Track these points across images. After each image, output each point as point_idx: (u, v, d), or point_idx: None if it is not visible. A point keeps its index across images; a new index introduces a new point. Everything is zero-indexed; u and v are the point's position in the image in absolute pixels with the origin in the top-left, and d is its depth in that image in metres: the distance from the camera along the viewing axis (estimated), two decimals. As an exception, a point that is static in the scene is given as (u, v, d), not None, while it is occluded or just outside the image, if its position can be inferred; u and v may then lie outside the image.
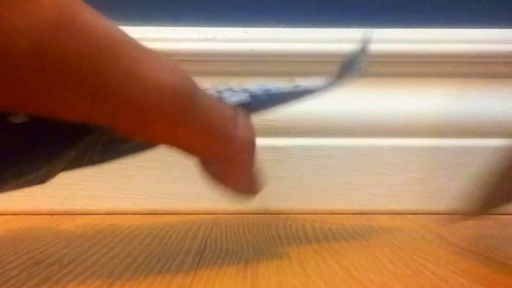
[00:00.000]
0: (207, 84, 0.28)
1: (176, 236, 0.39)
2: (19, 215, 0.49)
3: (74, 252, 0.33)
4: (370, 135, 0.52)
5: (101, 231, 0.41)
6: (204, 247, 0.35)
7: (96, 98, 0.21)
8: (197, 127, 0.25)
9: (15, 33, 0.18)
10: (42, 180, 0.27)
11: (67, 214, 0.49)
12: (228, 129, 0.27)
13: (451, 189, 0.51)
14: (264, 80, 0.33)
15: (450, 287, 0.26)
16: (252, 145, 0.29)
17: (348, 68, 0.34)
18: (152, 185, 0.50)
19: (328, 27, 0.53)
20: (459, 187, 0.51)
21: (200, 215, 0.49)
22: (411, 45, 0.52)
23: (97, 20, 0.20)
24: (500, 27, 0.54)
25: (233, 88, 0.30)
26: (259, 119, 0.51)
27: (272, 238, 0.38)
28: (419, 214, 0.50)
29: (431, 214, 0.50)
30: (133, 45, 0.22)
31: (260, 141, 0.50)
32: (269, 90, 0.31)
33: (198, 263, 0.30)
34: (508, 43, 0.52)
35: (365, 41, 0.34)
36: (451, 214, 0.50)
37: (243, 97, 0.30)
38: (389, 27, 0.53)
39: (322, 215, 0.50)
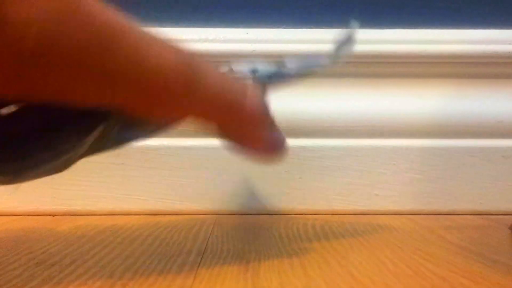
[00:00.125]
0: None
1: (177, 236, 0.39)
2: (20, 216, 0.49)
3: (76, 253, 0.33)
4: (371, 136, 0.52)
5: (102, 232, 0.41)
6: (205, 247, 0.35)
7: (107, 84, 0.21)
8: (204, 101, 0.25)
9: (24, 26, 0.18)
10: (62, 168, 0.27)
11: (68, 215, 0.49)
12: (236, 99, 0.27)
13: (451, 189, 0.51)
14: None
15: (450, 287, 0.26)
16: (262, 111, 0.29)
17: (338, 48, 0.34)
18: (153, 185, 0.50)
19: (328, 27, 0.53)
20: (460, 187, 0.51)
21: (201, 215, 0.49)
22: (412, 45, 0.52)
23: (100, 8, 0.21)
24: (501, 27, 0.54)
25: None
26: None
27: (273, 239, 0.38)
28: (420, 214, 0.50)
29: (431, 214, 0.50)
30: (136, 30, 0.22)
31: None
32: (257, 71, 0.31)
33: (199, 264, 0.30)
34: (509, 43, 0.52)
35: (353, 27, 0.35)
36: (451, 214, 0.51)
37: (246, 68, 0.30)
38: (390, 28, 0.53)
39: (323, 215, 0.50)
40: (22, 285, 0.26)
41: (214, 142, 0.51)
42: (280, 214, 0.50)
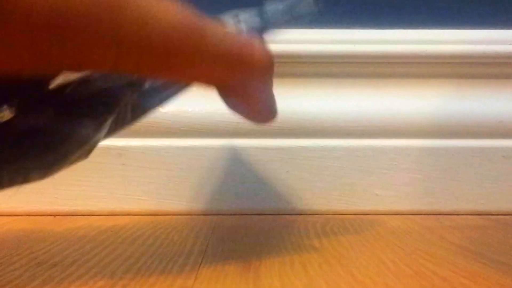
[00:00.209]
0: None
1: (178, 237, 0.39)
2: (22, 216, 0.49)
3: (77, 253, 0.33)
4: (372, 136, 0.52)
5: (103, 232, 0.41)
6: (206, 248, 0.35)
7: (122, 46, 0.21)
8: (214, 56, 0.25)
9: None
10: (87, 154, 0.27)
11: (70, 215, 0.49)
12: (244, 53, 0.27)
13: (452, 190, 0.51)
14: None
15: (451, 287, 0.26)
16: (270, 66, 0.29)
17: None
18: (154, 186, 0.50)
19: (329, 28, 0.53)
20: (460, 187, 0.51)
21: (202, 216, 0.49)
22: (412, 46, 0.52)
23: None
24: (501, 27, 0.54)
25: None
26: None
27: (274, 239, 0.38)
28: (421, 214, 0.51)
29: (432, 214, 0.50)
30: None
31: (262, 142, 0.51)
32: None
33: (200, 264, 0.30)
34: (509, 43, 0.52)
35: None
36: (452, 214, 0.51)
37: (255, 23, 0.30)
38: (390, 28, 0.53)
39: (324, 215, 0.50)
40: (23, 286, 0.26)
41: (215, 142, 0.51)
42: (281, 214, 0.50)
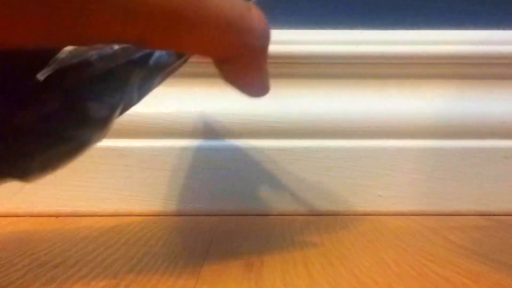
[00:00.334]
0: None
1: (181, 237, 0.39)
2: (24, 217, 0.49)
3: (79, 254, 0.33)
4: (374, 137, 0.52)
5: (106, 233, 0.41)
6: (208, 248, 0.35)
7: (128, 14, 0.21)
8: (214, 22, 0.25)
9: None
10: (104, 135, 0.27)
11: (72, 216, 0.49)
12: (244, 20, 0.27)
13: (454, 190, 0.51)
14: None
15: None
16: (267, 35, 0.29)
17: None
18: (157, 186, 0.50)
19: (330, 28, 0.53)
20: (462, 188, 0.51)
21: (205, 216, 0.49)
22: (414, 46, 0.52)
23: None
24: (504, 28, 0.54)
25: None
26: (264, 121, 0.51)
27: (277, 239, 0.38)
28: (423, 215, 0.50)
29: (434, 215, 0.50)
30: None
31: (264, 143, 0.51)
32: None
33: (202, 264, 0.31)
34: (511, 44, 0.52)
35: None
36: (454, 215, 0.50)
37: None
38: (392, 29, 0.53)
39: (327, 216, 0.50)
40: (26, 286, 0.26)
41: (218, 143, 0.51)
42: (284, 215, 0.50)
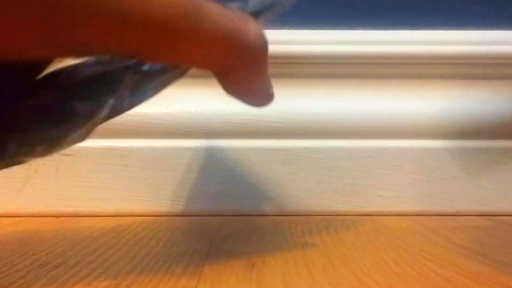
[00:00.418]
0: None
1: (182, 237, 0.39)
2: (25, 217, 0.49)
3: (80, 254, 0.33)
4: (375, 137, 0.52)
5: (107, 233, 0.41)
6: (209, 248, 0.35)
7: (125, 26, 0.21)
8: (209, 35, 0.25)
9: None
10: (84, 136, 0.27)
11: (73, 216, 0.49)
12: (239, 31, 0.27)
13: (455, 190, 0.51)
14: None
15: (455, 288, 0.26)
16: (264, 45, 0.29)
17: None
18: (158, 186, 0.50)
19: (332, 28, 0.53)
20: (464, 188, 0.51)
21: (206, 216, 0.49)
22: (416, 46, 0.52)
23: None
24: (505, 28, 0.54)
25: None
26: (264, 121, 0.51)
27: (278, 240, 0.38)
28: (424, 215, 0.50)
29: (435, 215, 0.50)
30: None
31: (265, 143, 0.51)
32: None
33: (203, 265, 0.31)
34: (514, 44, 0.52)
35: None
36: (456, 215, 0.50)
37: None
38: (394, 29, 0.53)
39: (328, 216, 0.50)
40: (27, 286, 0.26)
41: (219, 143, 0.51)
42: (285, 215, 0.50)
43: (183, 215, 0.50)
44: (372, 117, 0.52)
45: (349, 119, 0.52)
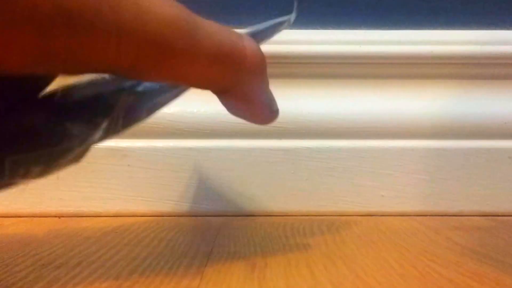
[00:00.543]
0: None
1: (184, 238, 0.39)
2: (27, 218, 0.49)
3: (82, 254, 0.33)
4: (377, 137, 0.52)
5: (108, 233, 0.41)
6: (211, 248, 0.35)
7: (121, 41, 0.21)
8: (205, 54, 0.25)
9: None
10: (79, 158, 0.27)
11: (75, 217, 0.49)
12: (235, 50, 0.27)
13: (458, 191, 0.51)
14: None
15: (457, 288, 0.26)
16: (262, 64, 0.29)
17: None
18: (160, 187, 0.50)
19: (334, 28, 0.53)
20: (466, 188, 0.51)
21: (208, 216, 0.49)
22: (418, 46, 0.52)
23: None
24: (508, 28, 0.54)
25: None
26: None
27: (280, 240, 0.38)
28: (426, 215, 0.50)
29: (438, 215, 0.50)
30: None
31: (267, 143, 0.51)
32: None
33: (205, 265, 0.30)
34: (515, 44, 0.52)
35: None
36: (458, 215, 0.50)
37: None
38: (396, 29, 0.53)
39: (330, 216, 0.50)
40: (29, 287, 0.26)
41: (221, 143, 0.51)
42: (287, 216, 0.50)
43: (185, 215, 0.50)
44: (374, 117, 0.52)
45: (351, 119, 0.52)
